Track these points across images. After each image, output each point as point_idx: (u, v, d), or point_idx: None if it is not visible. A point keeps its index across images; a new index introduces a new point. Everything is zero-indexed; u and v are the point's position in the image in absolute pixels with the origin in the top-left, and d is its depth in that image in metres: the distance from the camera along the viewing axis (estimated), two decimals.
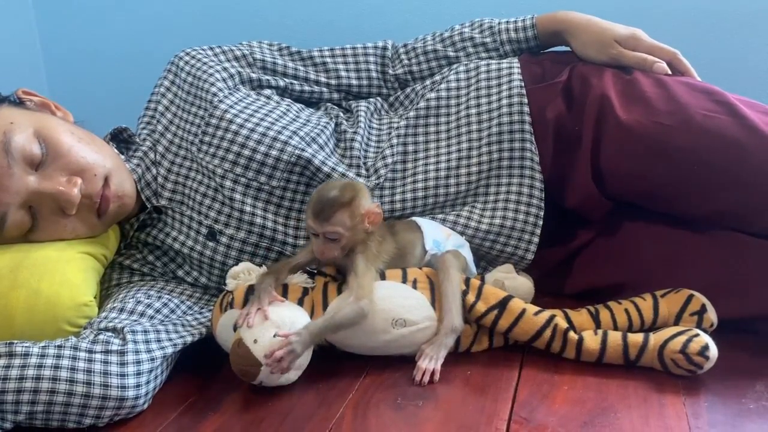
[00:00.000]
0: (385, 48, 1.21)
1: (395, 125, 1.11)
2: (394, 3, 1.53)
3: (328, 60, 1.19)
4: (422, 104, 1.10)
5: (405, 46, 1.21)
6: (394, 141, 1.08)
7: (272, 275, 0.90)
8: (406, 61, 1.20)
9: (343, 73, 1.19)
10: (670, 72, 1.06)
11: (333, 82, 1.19)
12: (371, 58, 1.20)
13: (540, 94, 1.06)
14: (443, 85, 1.11)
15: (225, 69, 1.11)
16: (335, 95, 1.19)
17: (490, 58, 1.16)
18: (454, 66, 1.14)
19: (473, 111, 1.08)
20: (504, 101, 1.06)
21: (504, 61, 1.11)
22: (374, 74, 1.20)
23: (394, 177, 1.06)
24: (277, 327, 0.84)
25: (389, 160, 1.06)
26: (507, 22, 1.17)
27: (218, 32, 1.58)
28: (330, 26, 1.56)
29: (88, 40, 1.67)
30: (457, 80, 1.11)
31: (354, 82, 1.19)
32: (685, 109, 0.98)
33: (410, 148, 1.08)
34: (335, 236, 0.87)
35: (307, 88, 1.17)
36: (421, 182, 1.05)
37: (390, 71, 1.20)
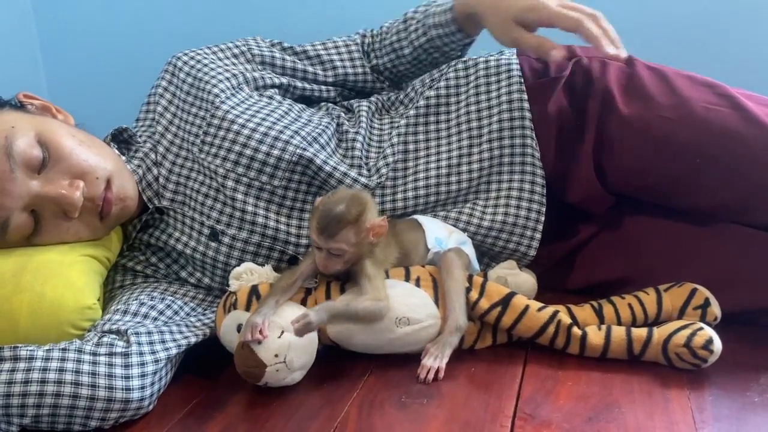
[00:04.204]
0: (363, 39, 1.22)
1: (396, 124, 1.10)
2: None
3: (322, 52, 1.19)
4: (422, 102, 1.10)
5: (381, 42, 1.21)
6: (395, 140, 1.07)
7: (275, 296, 0.88)
8: (389, 65, 1.20)
9: (338, 63, 1.19)
10: (560, 58, 0.98)
11: (330, 73, 1.19)
12: (353, 47, 1.21)
13: (542, 89, 1.06)
14: (442, 83, 1.11)
15: (227, 69, 1.11)
16: (333, 93, 1.20)
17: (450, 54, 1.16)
18: (453, 63, 1.13)
19: (473, 108, 1.08)
20: (503, 97, 1.06)
21: (503, 56, 1.10)
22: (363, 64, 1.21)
23: (396, 176, 1.06)
24: (280, 327, 0.84)
25: (390, 159, 1.06)
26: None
27: (217, 33, 1.57)
28: (328, 25, 1.55)
29: (87, 41, 1.67)
30: (456, 77, 1.11)
31: (350, 71, 1.19)
32: (686, 102, 0.98)
33: (411, 147, 1.08)
34: (339, 252, 0.87)
35: (308, 85, 1.17)
36: (422, 180, 1.05)
37: (372, 62, 1.21)
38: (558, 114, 1.04)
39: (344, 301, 0.87)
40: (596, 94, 1.02)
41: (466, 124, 1.07)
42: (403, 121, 1.09)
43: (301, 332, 0.83)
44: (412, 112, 1.09)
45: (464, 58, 1.14)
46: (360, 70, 1.20)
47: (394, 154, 1.06)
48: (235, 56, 1.14)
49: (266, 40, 1.19)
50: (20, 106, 1.02)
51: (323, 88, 1.19)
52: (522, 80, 1.06)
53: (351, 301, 0.86)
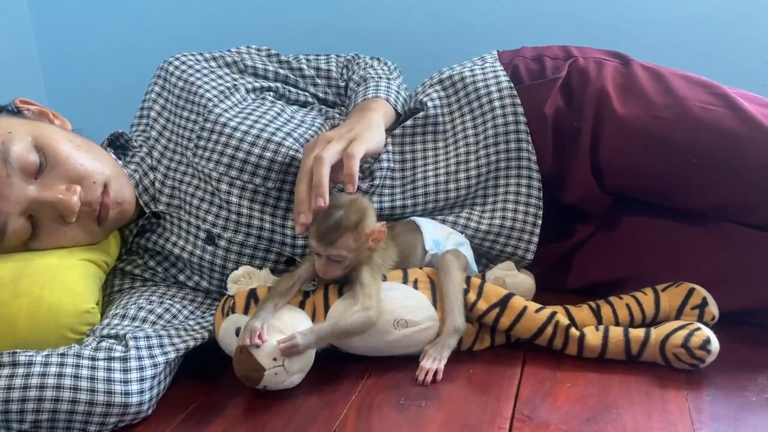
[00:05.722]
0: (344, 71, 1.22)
1: (392, 131, 1.10)
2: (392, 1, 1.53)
3: (322, 65, 1.20)
4: (420, 114, 1.09)
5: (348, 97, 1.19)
6: (390, 147, 1.07)
7: (273, 300, 0.88)
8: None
9: (334, 74, 1.20)
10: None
11: (322, 82, 1.19)
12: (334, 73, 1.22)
13: (538, 91, 1.06)
14: (435, 95, 1.10)
15: (220, 76, 1.11)
16: (331, 98, 1.20)
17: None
18: (435, 75, 1.13)
19: (468, 117, 1.08)
20: (496, 103, 1.06)
21: (487, 64, 1.11)
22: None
23: (393, 184, 1.05)
24: (279, 331, 0.84)
25: (385, 165, 1.05)
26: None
27: (216, 34, 1.58)
28: (325, 26, 1.56)
29: (85, 45, 1.67)
30: (447, 96, 1.10)
31: (330, 98, 1.20)
32: (682, 101, 0.98)
33: (408, 156, 1.07)
34: (339, 259, 0.87)
35: (301, 92, 1.18)
36: (421, 188, 1.05)
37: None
38: (554, 115, 1.04)
39: (331, 320, 0.87)
40: (592, 95, 1.02)
41: (462, 133, 1.07)
42: (398, 131, 1.09)
43: (287, 354, 0.83)
44: (409, 122, 1.09)
45: (452, 68, 1.13)
46: (338, 100, 1.21)
47: (389, 160, 1.06)
48: (228, 65, 1.14)
49: (261, 49, 1.19)
50: (17, 112, 1.03)
51: (320, 96, 1.19)
52: (512, 85, 1.06)
53: (339, 319, 0.86)
